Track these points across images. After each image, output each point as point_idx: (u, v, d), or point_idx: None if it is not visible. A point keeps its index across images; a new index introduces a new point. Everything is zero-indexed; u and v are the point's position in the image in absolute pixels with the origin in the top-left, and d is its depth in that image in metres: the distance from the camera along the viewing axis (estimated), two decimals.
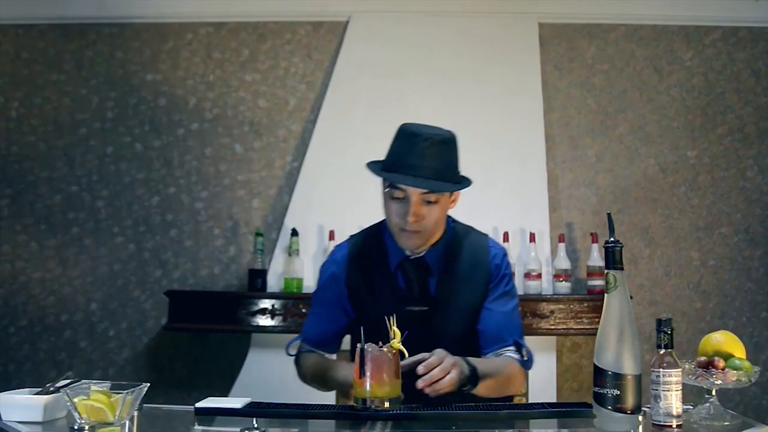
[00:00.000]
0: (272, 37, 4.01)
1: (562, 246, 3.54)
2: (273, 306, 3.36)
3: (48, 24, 3.98)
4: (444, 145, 1.75)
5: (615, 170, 3.89)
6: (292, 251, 3.49)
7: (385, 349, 1.52)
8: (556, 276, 3.48)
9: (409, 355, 1.56)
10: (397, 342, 1.54)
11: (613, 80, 3.95)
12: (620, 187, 3.88)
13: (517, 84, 3.85)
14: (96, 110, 3.95)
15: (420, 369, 1.52)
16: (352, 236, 2.01)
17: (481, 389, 1.66)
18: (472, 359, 1.67)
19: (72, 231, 3.86)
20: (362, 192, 3.54)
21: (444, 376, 1.54)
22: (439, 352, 1.58)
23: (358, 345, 1.53)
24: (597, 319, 1.54)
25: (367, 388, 1.49)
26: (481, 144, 3.71)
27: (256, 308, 3.35)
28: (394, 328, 1.55)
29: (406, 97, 3.82)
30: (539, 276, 3.45)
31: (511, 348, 1.85)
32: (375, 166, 1.80)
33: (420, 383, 1.52)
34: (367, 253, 1.91)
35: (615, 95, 3.94)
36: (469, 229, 1.97)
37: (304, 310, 3.29)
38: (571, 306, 3.37)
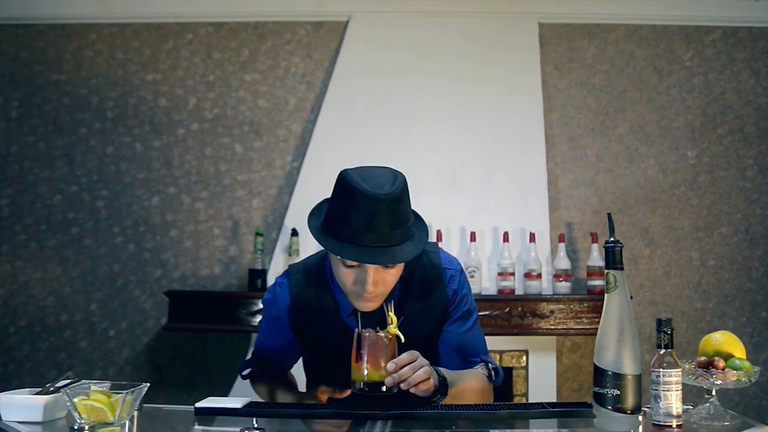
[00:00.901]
0: (272, 37, 4.01)
1: (562, 246, 3.54)
2: None
3: (48, 24, 3.98)
4: (397, 202, 1.53)
5: (615, 170, 3.89)
6: (292, 251, 3.49)
7: (382, 334, 1.52)
8: (556, 276, 3.48)
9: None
10: (393, 327, 1.54)
11: (613, 80, 3.95)
12: (620, 187, 3.88)
13: (517, 84, 3.86)
14: (96, 110, 3.95)
15: (389, 366, 1.47)
16: (292, 274, 1.79)
17: (449, 400, 1.60)
18: (441, 369, 1.62)
19: (72, 231, 3.87)
20: None
21: (414, 374, 1.48)
22: (410, 352, 1.52)
23: (356, 330, 1.53)
24: (597, 319, 1.53)
25: (364, 372, 1.49)
26: (481, 144, 3.72)
27: (256, 308, 3.34)
28: (391, 314, 1.55)
29: (406, 97, 3.82)
30: (539, 276, 3.45)
31: (480, 366, 1.79)
32: (319, 232, 1.59)
33: (388, 380, 1.46)
34: (312, 302, 1.74)
35: (615, 95, 3.94)
36: (422, 252, 1.73)
37: None
38: (571, 306, 3.37)
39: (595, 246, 3.50)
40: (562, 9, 3.98)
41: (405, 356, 1.50)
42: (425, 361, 1.53)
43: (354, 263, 1.55)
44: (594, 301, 3.37)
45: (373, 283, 1.56)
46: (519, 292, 3.46)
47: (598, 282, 3.42)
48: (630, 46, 3.97)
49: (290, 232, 3.54)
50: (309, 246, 3.58)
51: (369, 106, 3.81)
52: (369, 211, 1.49)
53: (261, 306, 3.32)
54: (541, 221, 3.62)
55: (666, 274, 3.82)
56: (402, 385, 1.49)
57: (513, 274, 3.45)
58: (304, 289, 1.74)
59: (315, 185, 3.69)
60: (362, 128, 3.75)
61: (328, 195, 3.65)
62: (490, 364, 1.80)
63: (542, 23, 3.96)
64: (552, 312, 3.37)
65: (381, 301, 1.62)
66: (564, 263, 3.49)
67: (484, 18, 3.95)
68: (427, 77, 3.85)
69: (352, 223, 1.51)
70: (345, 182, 1.55)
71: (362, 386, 1.50)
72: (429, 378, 1.51)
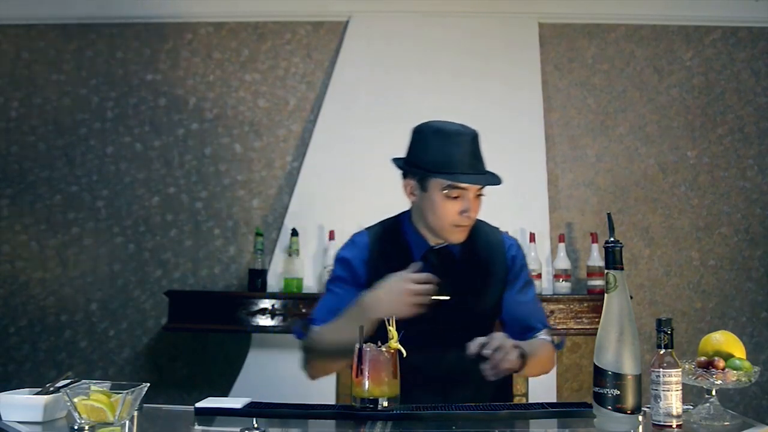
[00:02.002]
0: (272, 37, 4.01)
1: (561, 246, 3.54)
2: (273, 306, 3.36)
3: (48, 24, 3.98)
4: (477, 140, 1.88)
5: (615, 170, 3.89)
6: (292, 251, 3.49)
7: (383, 349, 1.53)
8: (556, 276, 3.48)
9: (407, 354, 1.56)
10: (394, 342, 1.55)
11: (613, 80, 3.95)
12: (620, 187, 3.87)
13: (517, 84, 3.85)
14: (96, 110, 3.95)
15: (486, 352, 1.60)
16: (369, 228, 2.02)
17: (525, 370, 1.73)
18: (520, 343, 1.72)
19: (72, 231, 3.86)
20: (362, 192, 3.60)
21: (504, 358, 1.61)
22: (499, 336, 1.64)
23: (356, 345, 1.53)
24: (597, 319, 1.55)
25: (365, 387, 1.50)
26: (481, 143, 3.71)
27: (256, 308, 3.34)
28: (392, 328, 1.56)
29: (406, 97, 3.81)
30: (539, 276, 3.45)
31: (542, 333, 1.93)
32: (421, 170, 1.85)
33: (488, 368, 1.60)
34: (387, 245, 1.94)
35: (615, 95, 3.94)
36: (481, 222, 2.00)
37: (304, 310, 3.30)
38: (571, 306, 3.37)
39: (595, 246, 3.50)
40: (562, 9, 3.97)
41: (497, 342, 1.61)
42: (512, 341, 1.65)
43: (457, 193, 1.81)
44: (594, 301, 3.37)
45: (473, 209, 1.83)
46: None
47: (598, 282, 3.42)
48: (630, 46, 3.97)
49: (290, 232, 3.54)
50: (309, 246, 3.60)
51: (369, 106, 3.80)
52: (461, 144, 1.83)
53: (261, 306, 3.36)
54: (541, 221, 3.61)
55: (666, 274, 3.82)
56: (491, 372, 1.61)
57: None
58: (380, 235, 1.97)
59: (315, 185, 3.70)
60: (362, 128, 3.74)
61: (329, 195, 3.72)
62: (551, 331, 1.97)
63: (542, 23, 3.96)
64: (552, 312, 3.37)
65: (468, 233, 1.88)
66: (564, 263, 3.49)
67: (485, 18, 3.95)
68: (427, 77, 3.84)
69: (449, 153, 1.81)
70: (428, 127, 1.89)
71: (363, 401, 1.51)
72: (517, 363, 1.65)
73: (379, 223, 2.03)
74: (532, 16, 3.96)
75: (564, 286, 3.46)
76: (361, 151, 3.66)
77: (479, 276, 1.93)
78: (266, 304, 3.36)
